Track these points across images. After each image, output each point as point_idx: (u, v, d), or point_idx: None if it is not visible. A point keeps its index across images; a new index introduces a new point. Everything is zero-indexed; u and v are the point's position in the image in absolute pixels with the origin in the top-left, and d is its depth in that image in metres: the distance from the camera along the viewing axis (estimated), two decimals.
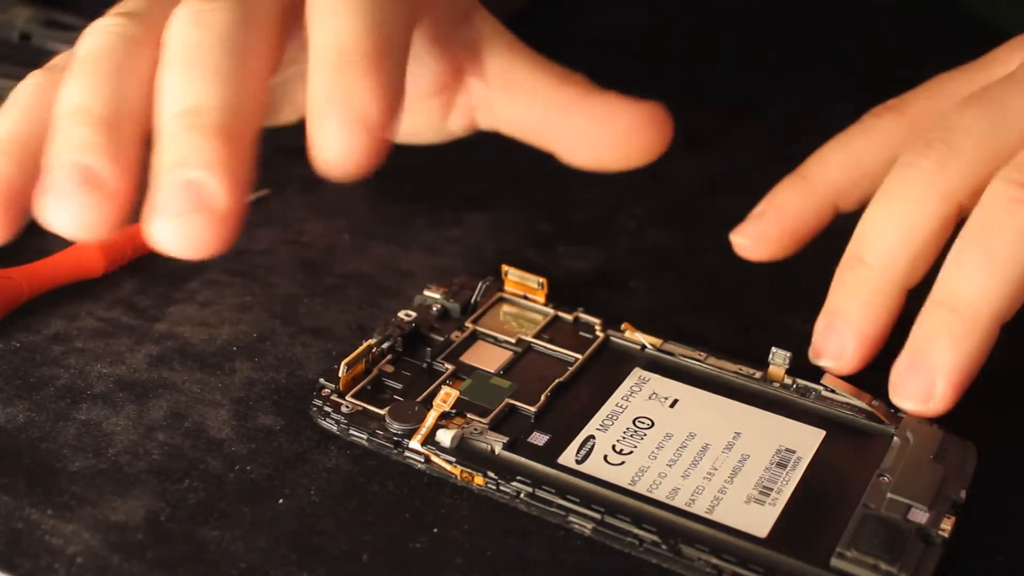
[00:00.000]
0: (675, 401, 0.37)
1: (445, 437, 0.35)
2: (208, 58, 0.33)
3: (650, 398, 0.37)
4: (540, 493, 0.33)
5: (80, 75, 0.34)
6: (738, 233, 0.42)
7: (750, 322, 0.42)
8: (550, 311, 0.40)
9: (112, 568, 0.32)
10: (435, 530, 0.33)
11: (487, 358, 0.38)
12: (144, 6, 0.36)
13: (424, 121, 0.45)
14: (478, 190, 0.49)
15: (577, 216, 0.47)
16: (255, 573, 0.32)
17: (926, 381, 0.35)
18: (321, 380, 0.37)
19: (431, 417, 0.35)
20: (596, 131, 0.42)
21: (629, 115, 0.42)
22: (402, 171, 0.46)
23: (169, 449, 0.35)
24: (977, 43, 0.44)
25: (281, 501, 0.34)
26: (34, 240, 0.44)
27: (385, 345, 0.38)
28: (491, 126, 0.45)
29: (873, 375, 0.39)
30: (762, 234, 0.41)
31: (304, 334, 0.35)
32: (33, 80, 0.37)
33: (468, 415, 0.36)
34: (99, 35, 0.35)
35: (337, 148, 0.33)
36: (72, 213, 0.32)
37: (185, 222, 0.31)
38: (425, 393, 0.37)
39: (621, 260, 0.45)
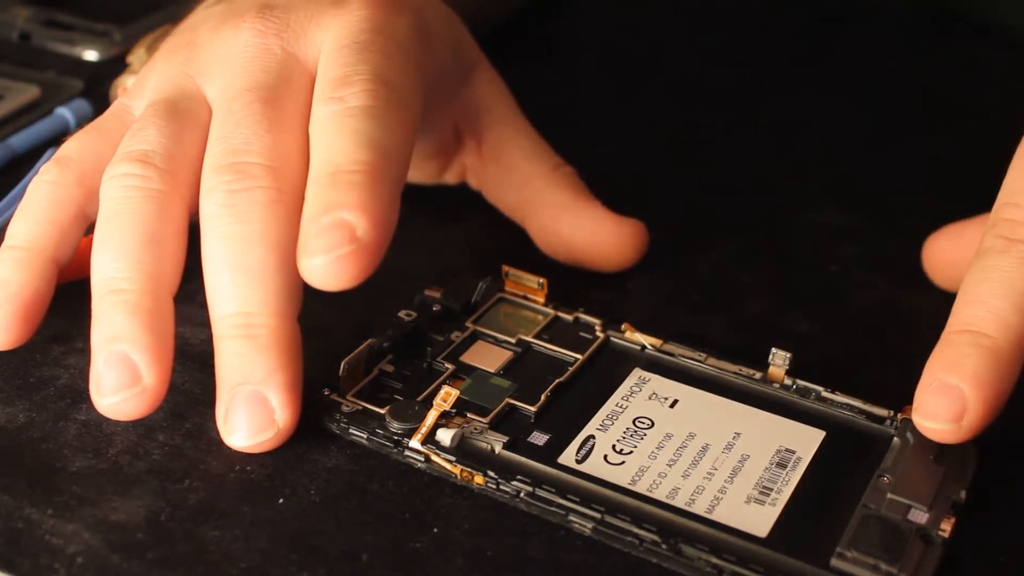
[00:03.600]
0: (675, 401, 0.37)
1: (445, 436, 0.35)
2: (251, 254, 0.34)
3: (650, 398, 0.37)
4: (540, 492, 0.33)
5: (109, 243, 0.35)
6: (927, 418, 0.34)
7: (750, 322, 0.42)
8: (550, 311, 0.40)
9: (112, 568, 0.31)
10: (435, 530, 0.33)
11: (487, 358, 0.38)
12: (163, 148, 0.36)
13: (419, 176, 0.47)
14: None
15: None
16: (255, 573, 0.32)
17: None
18: (321, 380, 0.37)
19: (431, 416, 0.35)
20: (576, 236, 0.43)
21: (612, 231, 0.43)
22: None
23: (169, 449, 0.35)
24: (971, 43, 0.44)
25: (281, 501, 0.34)
26: None
27: (385, 345, 0.38)
28: (478, 190, 0.46)
29: (875, 375, 0.39)
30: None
31: (304, 334, 0.35)
32: (46, 178, 0.38)
33: (468, 415, 0.36)
34: (121, 189, 0.36)
35: (323, 261, 0.33)
36: (118, 410, 0.34)
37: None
38: (425, 393, 0.37)
39: None
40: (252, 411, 0.34)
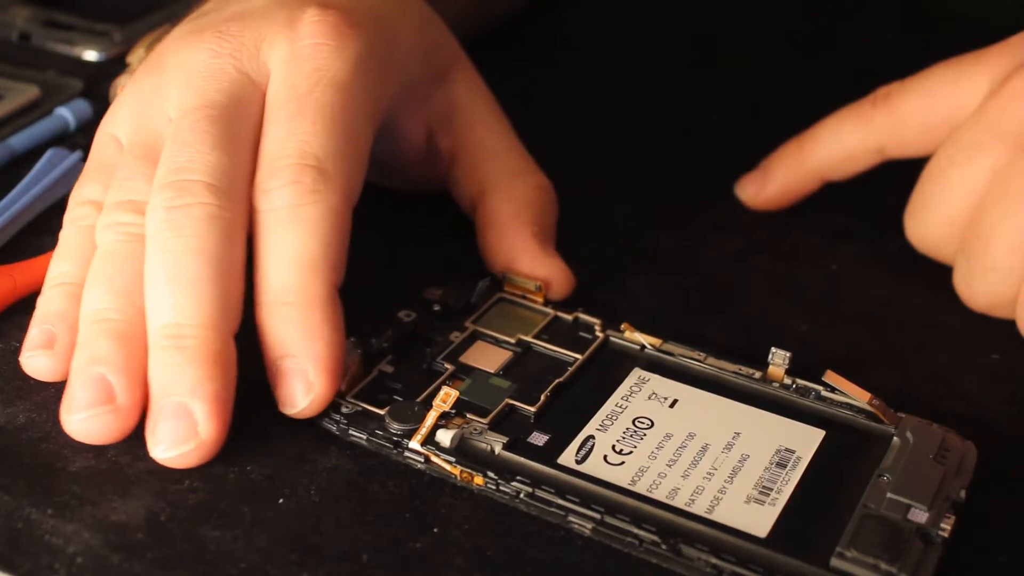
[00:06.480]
0: (675, 401, 0.37)
1: (445, 437, 0.35)
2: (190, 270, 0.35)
3: (650, 398, 0.37)
4: (540, 493, 0.33)
5: (100, 280, 0.36)
6: (740, 186, 0.49)
7: (750, 322, 0.42)
8: (549, 311, 0.40)
9: (112, 568, 0.31)
10: (435, 530, 0.33)
11: (487, 358, 0.38)
12: (145, 191, 0.37)
13: (403, 184, 0.47)
14: None
15: (577, 216, 0.47)
16: (255, 573, 0.32)
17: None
18: None
19: (431, 417, 0.35)
20: (494, 258, 0.42)
21: (526, 266, 0.42)
22: None
23: None
24: (972, 42, 0.44)
25: (281, 501, 0.34)
26: (32, 239, 0.44)
27: (384, 345, 0.38)
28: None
29: (874, 375, 0.39)
30: (758, 191, 0.48)
31: None
32: (84, 223, 0.38)
33: (468, 415, 0.36)
34: (116, 234, 0.36)
35: (301, 403, 0.35)
36: (88, 427, 0.34)
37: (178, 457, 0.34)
38: (425, 393, 0.37)
39: (621, 260, 0.45)
40: (174, 423, 0.34)
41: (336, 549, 0.32)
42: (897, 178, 0.45)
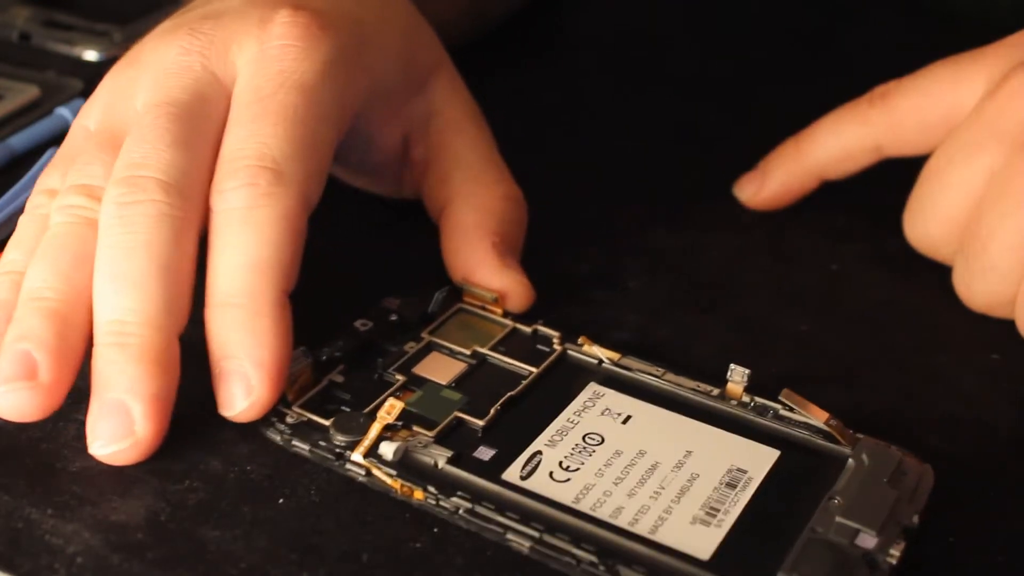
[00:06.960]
0: (628, 417, 0.36)
1: (388, 450, 0.34)
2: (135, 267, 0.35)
3: (603, 414, 0.36)
4: (479, 509, 0.33)
5: (44, 260, 0.36)
6: (738, 185, 0.49)
7: (749, 322, 0.42)
8: (509, 323, 0.40)
9: (112, 568, 0.32)
10: (435, 530, 0.33)
11: (440, 370, 0.38)
12: (105, 181, 0.37)
13: (381, 188, 0.46)
14: None
15: (576, 216, 0.47)
16: (255, 573, 0.32)
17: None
18: None
19: (374, 429, 0.34)
20: (453, 266, 0.42)
21: (482, 278, 0.41)
22: None
23: (169, 449, 0.35)
24: (972, 40, 0.45)
25: (281, 501, 0.34)
26: None
27: (337, 355, 0.37)
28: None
29: (873, 375, 0.39)
30: (757, 191, 0.48)
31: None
32: (39, 212, 0.38)
33: (414, 427, 0.35)
34: (66, 215, 0.36)
35: (239, 406, 0.35)
36: (7, 402, 0.34)
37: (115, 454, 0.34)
38: (372, 405, 0.36)
39: (620, 260, 0.45)
40: (112, 420, 0.34)
41: (336, 549, 0.32)
42: (897, 178, 0.45)
